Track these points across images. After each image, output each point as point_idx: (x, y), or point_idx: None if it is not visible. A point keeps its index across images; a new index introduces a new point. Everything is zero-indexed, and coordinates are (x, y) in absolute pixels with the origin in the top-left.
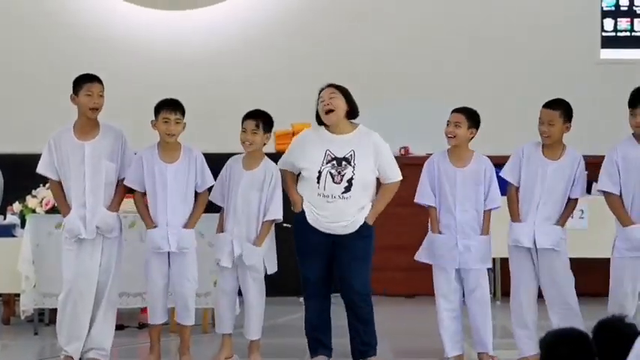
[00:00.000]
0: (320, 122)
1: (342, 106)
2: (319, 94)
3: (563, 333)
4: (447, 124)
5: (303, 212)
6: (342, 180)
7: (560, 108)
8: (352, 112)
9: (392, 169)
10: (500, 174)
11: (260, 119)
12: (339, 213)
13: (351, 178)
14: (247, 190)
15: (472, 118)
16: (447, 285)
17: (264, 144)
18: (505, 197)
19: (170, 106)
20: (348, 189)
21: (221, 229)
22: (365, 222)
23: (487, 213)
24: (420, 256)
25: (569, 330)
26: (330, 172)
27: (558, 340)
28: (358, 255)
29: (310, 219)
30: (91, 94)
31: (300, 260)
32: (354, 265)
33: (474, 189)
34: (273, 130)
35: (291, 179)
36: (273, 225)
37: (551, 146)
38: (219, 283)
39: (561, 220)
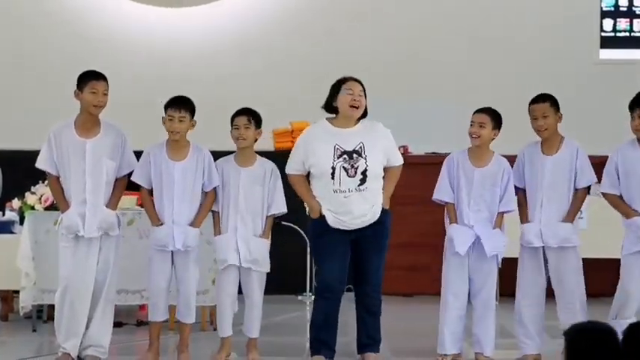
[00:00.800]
0: (328, 110)
1: (364, 107)
2: (342, 83)
3: (589, 326)
4: (471, 125)
5: (322, 216)
6: (356, 173)
7: (549, 99)
8: (364, 114)
9: (395, 155)
10: None
11: (250, 115)
12: (358, 208)
13: (365, 170)
14: (249, 186)
15: (496, 119)
16: (460, 283)
17: (256, 140)
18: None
19: (175, 104)
20: (363, 181)
21: (219, 231)
22: (382, 208)
23: (500, 214)
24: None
25: (594, 323)
26: (344, 167)
27: (585, 335)
28: (380, 246)
29: (331, 222)
30: (95, 91)
31: (319, 262)
32: (375, 257)
33: (490, 190)
34: (272, 128)
35: (305, 185)
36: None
37: (549, 141)
38: (222, 285)
39: (569, 216)
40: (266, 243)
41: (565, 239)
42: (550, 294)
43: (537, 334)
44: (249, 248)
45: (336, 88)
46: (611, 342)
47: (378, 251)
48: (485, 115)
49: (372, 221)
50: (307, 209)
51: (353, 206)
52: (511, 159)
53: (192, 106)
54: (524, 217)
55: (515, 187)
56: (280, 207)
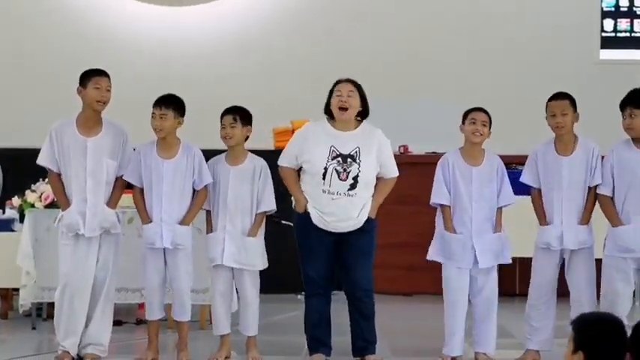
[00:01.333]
0: (327, 113)
1: (356, 106)
2: (335, 85)
3: (596, 316)
4: (473, 122)
5: (307, 212)
6: (347, 177)
7: (568, 97)
8: (364, 113)
9: (391, 166)
10: (521, 179)
11: (237, 113)
12: (343, 211)
13: (357, 176)
14: (238, 185)
15: (490, 119)
16: (462, 285)
17: (246, 137)
18: (517, 197)
19: (157, 101)
20: (353, 186)
21: (211, 230)
22: (368, 217)
23: (499, 210)
24: (433, 255)
25: (601, 314)
26: (336, 169)
27: (592, 324)
28: (364, 250)
29: (315, 220)
30: (99, 86)
31: (302, 259)
32: (360, 260)
33: (488, 186)
34: (273, 127)
35: (294, 179)
36: (264, 222)
37: (564, 141)
38: (215, 284)
39: (585, 217)
40: (257, 241)
41: (582, 242)
42: (566, 293)
43: (543, 331)
44: (237, 247)
45: (331, 92)
46: (619, 332)
47: (362, 255)
48: (486, 115)
49: (355, 228)
50: (293, 203)
51: (339, 209)
52: (510, 159)
53: (176, 103)
54: (541, 219)
55: (526, 186)
56: (269, 204)
